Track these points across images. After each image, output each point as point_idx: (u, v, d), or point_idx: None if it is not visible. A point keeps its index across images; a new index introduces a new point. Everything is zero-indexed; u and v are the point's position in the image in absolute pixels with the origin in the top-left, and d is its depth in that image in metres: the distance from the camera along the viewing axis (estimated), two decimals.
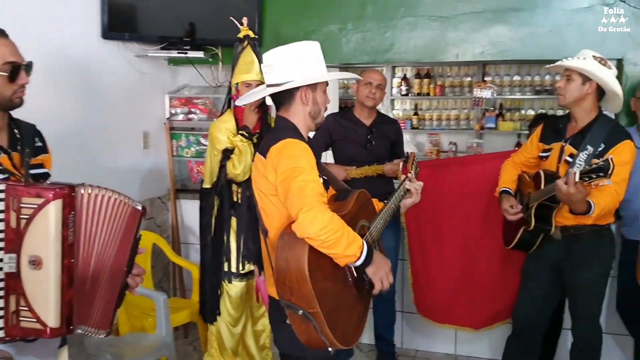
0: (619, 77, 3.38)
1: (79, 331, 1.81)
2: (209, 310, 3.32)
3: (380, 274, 2.06)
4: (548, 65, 2.90)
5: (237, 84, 3.21)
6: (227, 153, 3.17)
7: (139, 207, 1.91)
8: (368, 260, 1.99)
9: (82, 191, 1.77)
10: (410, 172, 2.51)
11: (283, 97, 2.15)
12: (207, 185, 3.28)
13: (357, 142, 3.54)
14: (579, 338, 2.96)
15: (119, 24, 3.74)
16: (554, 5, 3.68)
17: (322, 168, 2.23)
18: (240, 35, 3.28)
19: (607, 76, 2.73)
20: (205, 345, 3.49)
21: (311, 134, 2.36)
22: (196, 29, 4.03)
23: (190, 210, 4.33)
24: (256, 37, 3.35)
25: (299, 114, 2.16)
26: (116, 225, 1.86)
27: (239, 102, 2.49)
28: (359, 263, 1.98)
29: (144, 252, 2.04)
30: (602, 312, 3.02)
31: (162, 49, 4.02)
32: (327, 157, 3.86)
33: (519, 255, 3.12)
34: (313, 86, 2.14)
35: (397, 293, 3.81)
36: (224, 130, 3.21)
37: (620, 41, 3.57)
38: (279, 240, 1.99)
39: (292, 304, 1.94)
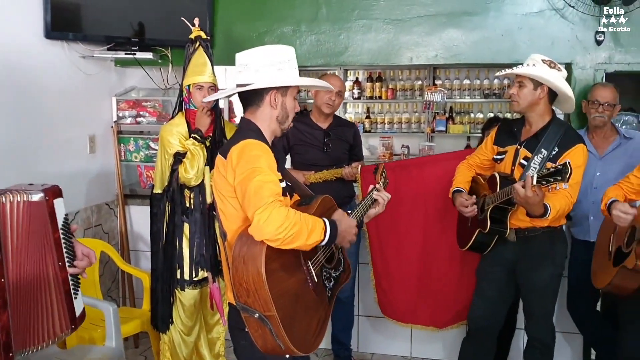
0: (568, 81, 3.45)
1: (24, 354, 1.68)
2: (161, 319, 3.22)
3: (347, 239, 2.12)
4: (499, 73, 2.93)
5: (188, 86, 3.12)
6: (178, 157, 3.08)
7: (36, 198, 1.75)
8: (333, 235, 2.00)
9: (4, 200, 1.63)
10: (379, 183, 2.50)
11: (252, 99, 2.12)
12: (157, 190, 3.18)
13: (314, 146, 3.51)
14: (532, 337, 3.00)
15: (63, 23, 3.59)
16: (506, 9, 3.74)
17: (286, 173, 2.21)
18: (192, 36, 3.20)
19: (558, 79, 2.78)
20: (158, 356, 3.38)
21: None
22: (145, 29, 3.92)
23: (139, 217, 4.20)
24: (208, 38, 3.27)
25: (265, 117, 2.13)
26: (32, 226, 1.72)
27: (207, 99, 2.53)
28: (324, 243, 1.99)
29: (76, 229, 1.92)
30: (555, 310, 3.07)
31: (108, 49, 3.90)
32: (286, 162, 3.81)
33: (476, 256, 3.14)
34: (284, 91, 2.12)
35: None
36: (175, 134, 3.12)
37: (569, 45, 3.66)
38: (237, 240, 1.95)
39: (248, 307, 1.91)
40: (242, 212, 1.99)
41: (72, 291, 1.79)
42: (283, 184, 2.06)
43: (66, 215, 1.80)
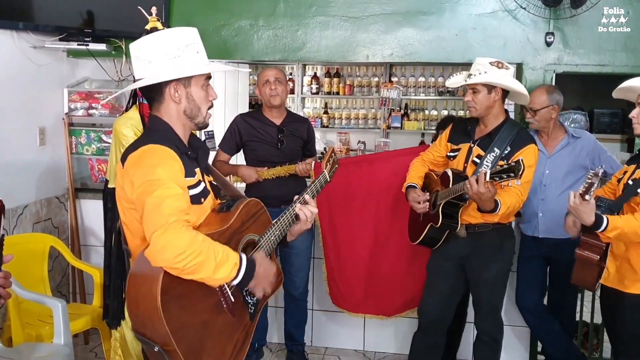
0: (519, 80, 3.54)
1: None
2: (112, 314, 3.17)
3: (262, 285, 1.89)
4: (452, 84, 2.97)
5: None
6: None
7: None
8: (248, 276, 1.78)
9: None
10: (324, 170, 2.35)
11: (153, 95, 1.87)
12: (112, 184, 3.12)
13: (268, 142, 3.49)
14: (481, 331, 3.09)
15: (11, 12, 3.49)
16: (460, 10, 3.81)
17: (212, 171, 2.05)
18: (148, 27, 3.14)
19: (509, 80, 2.86)
20: (109, 352, 3.33)
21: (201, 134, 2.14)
22: (98, 20, 3.83)
23: (90, 211, 4.11)
24: (164, 28, 3.21)
25: (171, 113, 1.88)
26: None
27: (110, 100, 2.21)
28: (236, 282, 1.77)
29: (11, 259, 1.73)
30: (503, 304, 3.16)
31: (60, 39, 3.80)
32: (238, 158, 3.79)
33: (427, 249, 3.20)
34: (186, 80, 1.85)
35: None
36: (129, 127, 3.07)
37: (521, 46, 3.76)
38: (133, 264, 1.75)
39: (146, 340, 1.71)
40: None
41: None
42: (199, 188, 1.86)
43: (3, 235, 1.66)
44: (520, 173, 2.46)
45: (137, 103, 3.17)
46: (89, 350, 3.92)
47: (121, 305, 3.14)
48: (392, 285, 3.61)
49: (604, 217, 2.33)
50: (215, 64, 1.95)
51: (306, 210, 2.10)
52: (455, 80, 3.00)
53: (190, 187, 1.83)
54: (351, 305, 3.72)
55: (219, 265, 1.70)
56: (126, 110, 3.25)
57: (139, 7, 3.20)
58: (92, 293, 3.64)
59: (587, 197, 2.27)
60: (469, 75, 2.87)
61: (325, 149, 2.90)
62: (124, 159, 1.81)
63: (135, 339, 3.16)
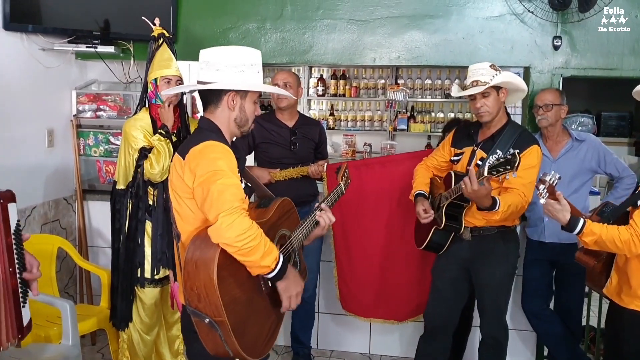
0: (526, 83, 3.53)
1: None
2: (121, 316, 3.19)
3: (290, 292, 2.05)
4: (465, 92, 2.90)
5: (155, 79, 3.12)
6: (144, 152, 3.06)
7: None
8: (281, 273, 1.97)
9: None
10: (340, 184, 2.53)
11: (210, 98, 2.09)
12: (121, 186, 3.15)
13: (280, 145, 3.51)
14: (486, 335, 3.09)
15: (22, 15, 3.50)
16: (467, 13, 3.81)
17: (245, 174, 2.19)
18: (154, 33, 3.18)
19: (516, 78, 2.88)
20: (116, 354, 3.35)
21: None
22: (107, 23, 3.85)
23: (98, 212, 4.13)
24: (170, 35, 3.26)
25: (223, 118, 2.09)
26: None
27: (167, 92, 2.53)
28: (271, 275, 1.96)
29: (28, 237, 1.82)
30: (508, 308, 3.15)
31: (69, 42, 3.82)
32: (250, 160, 3.80)
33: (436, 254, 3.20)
34: (243, 93, 2.08)
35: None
36: (139, 128, 3.11)
37: (528, 50, 3.75)
38: (190, 244, 1.92)
39: (198, 312, 1.88)
40: (198, 214, 1.96)
41: (21, 299, 1.72)
42: (242, 186, 2.03)
43: (18, 221, 1.73)
44: (516, 165, 2.47)
45: (147, 105, 3.20)
46: (96, 351, 3.94)
47: (129, 307, 3.16)
48: (404, 289, 3.61)
49: (581, 220, 2.31)
50: (269, 86, 2.27)
51: (326, 217, 2.30)
52: (460, 90, 3.00)
53: None
54: (362, 310, 3.71)
55: (266, 253, 1.90)
56: (135, 112, 3.28)
57: (143, 17, 3.23)
58: (99, 294, 3.66)
59: (542, 197, 2.30)
60: (475, 82, 2.86)
61: (340, 165, 2.95)
62: (184, 151, 1.99)
63: (142, 340, 3.20)
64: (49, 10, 3.68)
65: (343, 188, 2.56)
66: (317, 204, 2.37)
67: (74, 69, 4.19)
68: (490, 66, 2.86)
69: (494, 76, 2.82)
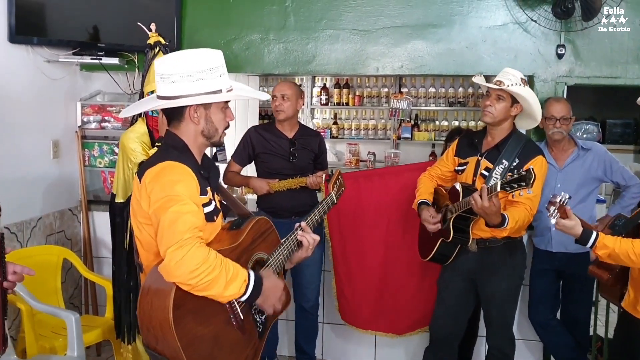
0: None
1: None
2: (127, 329, 3.18)
3: (270, 302, 1.91)
4: (485, 84, 2.88)
5: (151, 92, 3.10)
6: None
7: None
8: (256, 293, 1.81)
9: None
10: (331, 193, 2.44)
11: (172, 112, 1.92)
12: (120, 199, 3.15)
13: (280, 155, 3.51)
14: (493, 346, 3.07)
15: (27, 27, 3.52)
16: (470, 22, 3.81)
17: (221, 190, 2.08)
18: (150, 41, 3.18)
19: (534, 102, 2.83)
20: None
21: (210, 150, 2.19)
22: (110, 34, 3.87)
23: (103, 223, 4.12)
24: (167, 43, 3.25)
25: (189, 132, 1.92)
26: None
27: (123, 114, 2.22)
28: (244, 298, 1.80)
29: (7, 252, 1.74)
30: (514, 319, 3.14)
31: (74, 54, 3.84)
32: (249, 170, 3.81)
33: (437, 265, 3.19)
34: (206, 103, 1.89)
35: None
36: (136, 140, 3.09)
37: (531, 58, 3.75)
38: (146, 278, 1.77)
39: (157, 354, 1.73)
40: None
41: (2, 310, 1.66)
42: (211, 207, 1.88)
43: (2, 233, 1.67)
44: (531, 182, 2.43)
45: (144, 116, 3.20)
46: None
47: (135, 320, 3.16)
48: (403, 302, 3.60)
49: (594, 233, 2.29)
50: (235, 90, 1.95)
51: (309, 237, 2.13)
52: (482, 80, 2.96)
53: (203, 205, 1.86)
54: (361, 322, 3.70)
55: (229, 282, 1.72)
56: (132, 123, 3.27)
57: (138, 23, 3.23)
58: (104, 305, 3.66)
59: (552, 218, 2.30)
60: (498, 82, 2.82)
61: (332, 171, 2.92)
62: (141, 173, 1.85)
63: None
64: (54, 23, 3.70)
65: (334, 197, 2.46)
66: (297, 224, 2.18)
67: (79, 80, 4.21)
68: (521, 78, 2.82)
69: (516, 84, 2.79)
